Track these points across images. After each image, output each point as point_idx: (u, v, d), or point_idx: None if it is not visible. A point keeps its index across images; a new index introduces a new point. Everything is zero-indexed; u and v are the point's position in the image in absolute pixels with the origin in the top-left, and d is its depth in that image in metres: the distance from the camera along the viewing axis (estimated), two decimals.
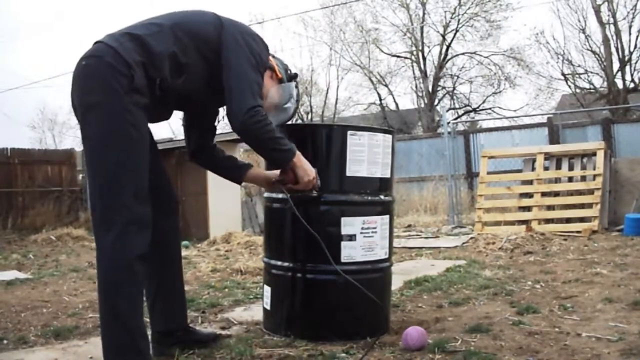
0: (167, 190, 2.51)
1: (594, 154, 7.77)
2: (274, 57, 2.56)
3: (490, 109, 21.90)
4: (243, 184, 2.75)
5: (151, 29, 2.17)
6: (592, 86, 18.38)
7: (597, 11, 16.96)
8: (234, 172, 2.68)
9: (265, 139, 2.27)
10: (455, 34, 20.69)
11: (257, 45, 2.33)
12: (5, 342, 2.75)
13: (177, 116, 2.56)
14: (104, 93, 2.05)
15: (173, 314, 2.54)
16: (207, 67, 2.27)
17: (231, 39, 2.26)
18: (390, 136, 2.80)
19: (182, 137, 2.72)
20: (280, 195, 2.69)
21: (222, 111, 2.53)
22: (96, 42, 2.16)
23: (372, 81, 22.11)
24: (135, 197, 2.09)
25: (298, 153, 2.41)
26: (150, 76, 2.12)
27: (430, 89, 21.19)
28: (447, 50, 20.94)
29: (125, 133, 2.07)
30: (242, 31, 2.32)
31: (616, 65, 17.23)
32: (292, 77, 2.59)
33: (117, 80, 2.04)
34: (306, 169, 2.44)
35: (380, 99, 22.48)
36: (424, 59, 21.23)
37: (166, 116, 2.37)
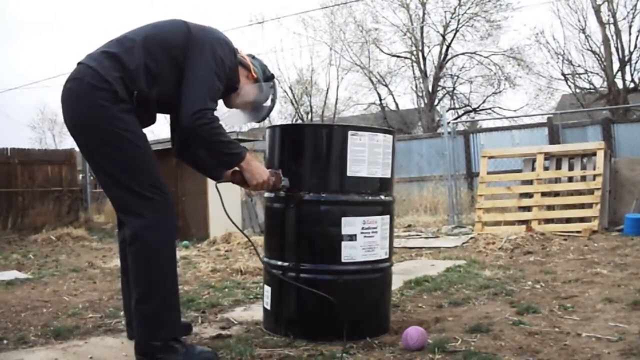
0: None
1: (594, 154, 7.77)
2: (254, 58, 2.71)
3: (490, 109, 21.89)
4: None
5: (125, 45, 2.34)
6: (592, 86, 18.38)
7: (597, 11, 16.95)
8: (213, 170, 2.77)
9: (211, 141, 2.38)
10: (455, 34, 20.69)
11: (223, 50, 2.45)
12: (5, 342, 2.75)
13: None
14: (90, 110, 2.26)
15: None
16: (180, 73, 2.38)
17: (197, 43, 2.39)
18: (390, 136, 2.80)
19: None
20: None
21: None
22: (78, 63, 2.35)
23: (372, 81, 22.09)
24: (152, 184, 2.33)
25: (248, 158, 2.51)
26: (129, 89, 2.30)
27: (430, 89, 21.17)
28: (447, 50, 20.92)
29: (122, 136, 2.27)
30: (208, 36, 2.44)
31: (616, 65, 17.23)
32: (269, 78, 2.72)
33: (100, 96, 2.25)
34: (254, 173, 2.54)
35: (380, 99, 22.48)
36: (424, 59, 21.23)
37: (151, 121, 2.52)
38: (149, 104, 2.38)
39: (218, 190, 2.68)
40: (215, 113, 2.39)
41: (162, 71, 2.35)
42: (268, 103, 2.75)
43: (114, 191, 2.36)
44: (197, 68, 2.35)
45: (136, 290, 2.33)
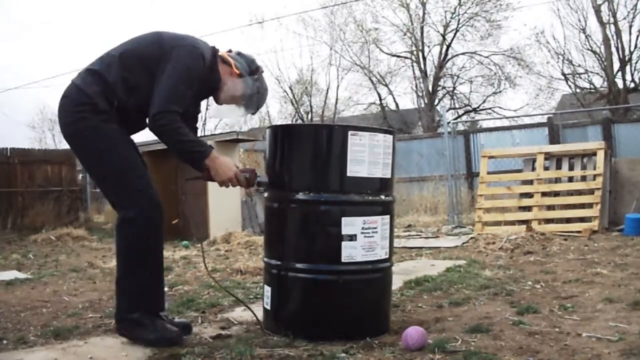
0: None
1: (594, 154, 7.77)
2: (239, 54, 2.82)
3: (490, 109, 21.90)
4: None
5: (106, 62, 2.63)
6: (592, 86, 18.39)
7: (597, 11, 16.96)
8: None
9: (174, 141, 2.57)
10: (455, 34, 20.69)
11: (191, 57, 2.60)
12: (5, 342, 2.75)
13: None
14: (74, 123, 2.60)
15: None
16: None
17: (166, 53, 2.59)
18: (390, 136, 2.80)
19: None
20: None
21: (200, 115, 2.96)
22: (71, 82, 2.66)
23: (372, 81, 22.10)
24: (136, 183, 2.61)
25: (213, 156, 2.64)
26: (110, 100, 2.59)
27: (430, 89, 21.17)
28: (447, 50, 20.93)
29: (102, 142, 2.56)
30: (179, 45, 2.62)
31: (616, 65, 17.23)
32: (254, 71, 2.81)
33: (82, 109, 2.57)
34: (218, 170, 2.65)
35: (380, 99, 22.49)
36: (424, 59, 21.23)
37: (140, 127, 2.74)
38: (129, 111, 2.62)
39: (184, 187, 2.82)
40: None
41: (139, 82, 2.59)
42: (253, 95, 2.82)
43: (104, 190, 2.72)
44: (163, 76, 2.54)
45: (117, 271, 2.68)
